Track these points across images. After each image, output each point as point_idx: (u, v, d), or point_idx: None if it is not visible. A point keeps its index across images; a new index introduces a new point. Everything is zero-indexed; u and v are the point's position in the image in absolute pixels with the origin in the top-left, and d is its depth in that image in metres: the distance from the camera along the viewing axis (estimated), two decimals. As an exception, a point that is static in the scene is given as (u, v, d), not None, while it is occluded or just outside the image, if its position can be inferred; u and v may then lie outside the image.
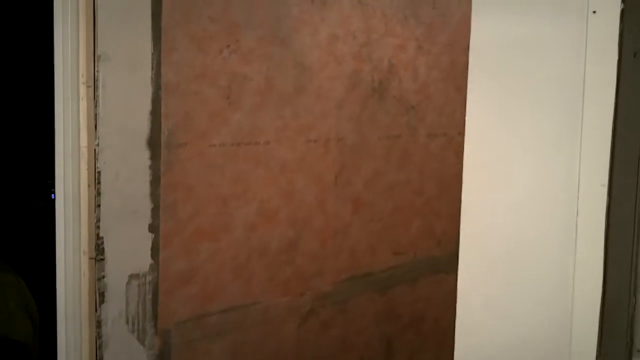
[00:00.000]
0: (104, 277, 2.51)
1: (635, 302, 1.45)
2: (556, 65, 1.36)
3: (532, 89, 1.40)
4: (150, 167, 2.61)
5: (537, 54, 1.39)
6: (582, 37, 1.34)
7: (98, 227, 2.50)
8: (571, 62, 1.33)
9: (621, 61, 1.31)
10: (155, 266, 2.68)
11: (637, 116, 1.38)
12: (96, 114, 2.44)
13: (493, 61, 1.53)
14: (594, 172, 1.30)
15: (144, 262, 2.66)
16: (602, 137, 1.29)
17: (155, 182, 2.63)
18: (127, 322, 2.61)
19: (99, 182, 2.47)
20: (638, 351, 1.47)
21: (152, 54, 2.56)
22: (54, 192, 2.58)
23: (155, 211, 2.64)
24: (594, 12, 1.32)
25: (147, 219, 2.63)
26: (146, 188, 2.60)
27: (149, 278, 2.65)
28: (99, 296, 2.51)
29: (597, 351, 1.32)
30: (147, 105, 2.57)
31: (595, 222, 1.31)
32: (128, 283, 2.59)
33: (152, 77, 2.57)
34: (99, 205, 2.49)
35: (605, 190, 1.29)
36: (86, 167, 2.44)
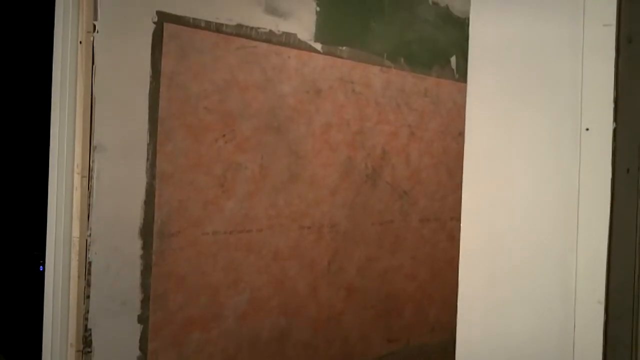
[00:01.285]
0: (90, 371, 2.45)
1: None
2: (551, 182, 1.38)
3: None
4: (142, 257, 2.58)
5: (530, 166, 1.41)
6: (576, 154, 1.35)
7: (86, 318, 2.45)
8: (565, 179, 1.35)
9: (615, 176, 1.32)
10: (143, 357, 2.62)
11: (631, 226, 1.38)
12: (90, 204, 2.44)
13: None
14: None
15: (132, 353, 2.60)
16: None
17: (146, 272, 2.60)
18: (113, 418, 2.52)
19: (89, 273, 2.44)
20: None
21: (148, 144, 2.58)
22: (42, 264, 2.54)
23: (145, 302, 2.60)
24: (587, 129, 1.35)
25: (136, 310, 2.58)
26: (137, 278, 2.57)
27: (136, 371, 2.59)
28: (84, 391, 2.44)
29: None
30: (141, 195, 2.57)
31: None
32: (115, 377, 2.53)
33: (147, 167, 2.58)
34: (88, 297, 2.45)
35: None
36: (77, 258, 2.41)
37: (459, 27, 4.04)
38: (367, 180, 3.49)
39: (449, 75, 3.99)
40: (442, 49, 3.94)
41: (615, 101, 1.32)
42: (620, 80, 1.33)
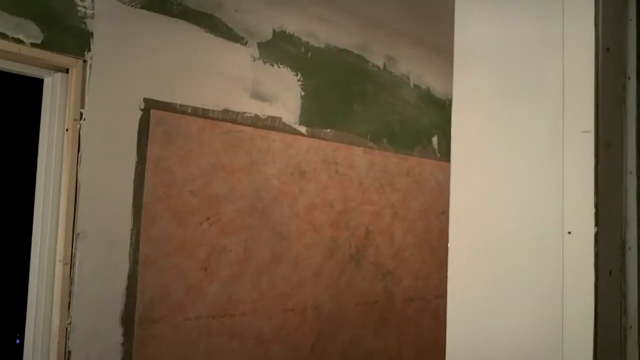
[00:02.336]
0: None
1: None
2: (534, 287, 1.39)
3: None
4: (123, 344, 2.53)
5: (515, 274, 1.42)
6: (559, 257, 1.37)
7: (63, 411, 2.37)
8: (548, 286, 1.36)
9: (598, 279, 1.33)
10: None
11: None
12: (71, 292, 2.40)
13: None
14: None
15: None
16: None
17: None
18: None
19: (68, 363, 2.38)
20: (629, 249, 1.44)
21: (132, 229, 2.57)
22: (19, 337, 2.47)
23: (124, 392, 2.53)
24: (569, 232, 1.37)
25: (116, 400, 2.51)
26: (117, 367, 2.51)
27: None
28: None
29: None
30: (123, 281, 2.54)
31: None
32: None
33: (130, 253, 2.56)
34: (66, 387, 2.38)
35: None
36: (56, 347, 2.35)
37: (440, 108, 4.13)
38: (351, 260, 3.49)
39: (430, 154, 4.06)
40: (424, 130, 4.02)
41: (596, 205, 1.34)
42: (600, 185, 1.36)
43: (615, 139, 1.43)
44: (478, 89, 1.57)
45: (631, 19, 1.47)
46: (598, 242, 1.33)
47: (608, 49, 1.41)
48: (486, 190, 1.52)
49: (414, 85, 3.96)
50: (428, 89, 4.05)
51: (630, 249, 1.45)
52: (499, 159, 1.50)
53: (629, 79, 1.47)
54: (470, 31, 1.62)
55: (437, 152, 4.11)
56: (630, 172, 1.45)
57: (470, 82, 1.60)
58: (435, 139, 4.09)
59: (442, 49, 4.06)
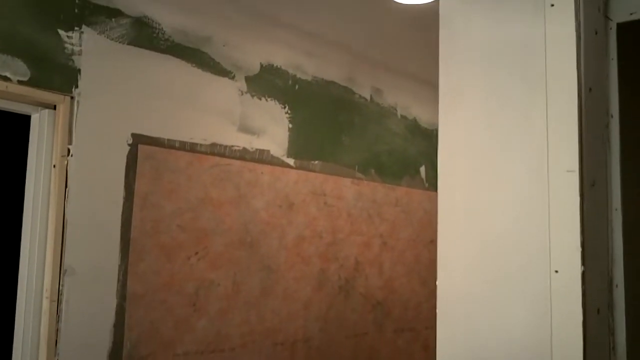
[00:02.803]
0: None
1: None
2: (524, 328, 1.39)
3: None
4: (110, 382, 2.50)
5: (503, 317, 1.42)
6: (547, 296, 1.37)
7: None
8: (535, 325, 1.36)
9: (586, 317, 1.34)
10: None
11: None
12: (58, 329, 2.37)
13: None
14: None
15: None
16: None
17: (114, 398, 2.51)
18: None
19: (54, 403, 2.34)
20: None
21: (120, 265, 2.55)
22: None
23: None
24: (556, 271, 1.37)
25: None
26: (104, 406, 2.48)
27: None
28: None
29: None
30: (110, 318, 2.52)
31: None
32: None
33: (117, 289, 2.54)
34: None
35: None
36: (42, 387, 2.32)
37: (427, 137, 4.16)
38: (340, 291, 3.48)
39: (418, 184, 4.07)
40: (412, 160, 4.04)
41: (583, 244, 1.35)
42: (586, 223, 1.37)
43: (600, 177, 1.45)
44: (463, 125, 1.59)
45: (612, 58, 1.50)
46: (585, 280, 1.34)
47: (590, 89, 1.43)
48: (471, 227, 1.53)
49: (401, 116, 3.99)
50: (415, 119, 4.09)
51: (617, 286, 1.46)
52: (485, 194, 1.50)
53: (612, 117, 1.49)
54: (454, 70, 1.64)
55: (425, 181, 4.13)
56: (616, 209, 1.47)
57: (455, 117, 1.61)
58: (422, 169, 4.11)
59: (428, 80, 4.10)
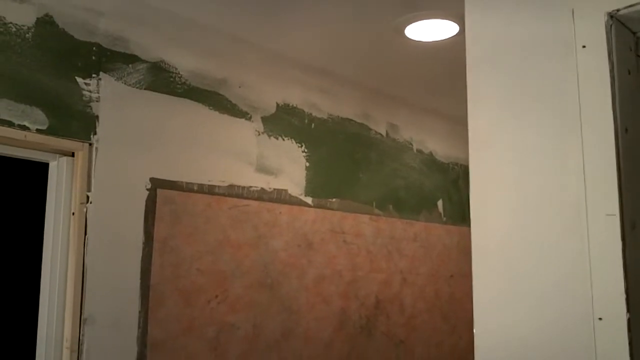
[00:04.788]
0: None
1: None
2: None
3: None
4: None
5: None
6: (591, 345, 1.32)
7: None
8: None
9: None
10: None
11: None
12: (78, 380, 2.33)
13: None
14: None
15: None
16: None
17: None
18: None
19: None
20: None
21: (139, 312, 2.51)
22: None
23: None
24: (600, 319, 1.33)
25: None
26: None
27: None
28: None
29: None
30: (131, 366, 2.47)
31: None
32: None
33: (138, 336, 2.50)
34: None
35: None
36: None
37: (444, 171, 4.13)
38: (362, 331, 3.42)
39: (436, 219, 4.03)
40: (429, 194, 4.00)
41: (627, 291, 1.31)
42: (629, 268, 1.33)
43: (639, 219, 1.40)
44: (495, 170, 1.55)
45: (645, 97, 1.47)
46: (631, 327, 1.29)
47: (627, 129, 1.40)
48: (508, 274, 1.48)
49: (417, 150, 3.96)
50: (431, 153, 4.06)
51: (662, 332, 1.41)
52: (522, 242, 1.46)
53: (648, 157, 1.45)
54: (483, 113, 1.61)
55: (442, 215, 4.08)
56: (656, 252, 1.42)
57: (486, 162, 1.58)
58: (440, 203, 4.07)
59: (443, 114, 4.09)
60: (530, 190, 1.46)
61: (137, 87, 2.60)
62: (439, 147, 4.12)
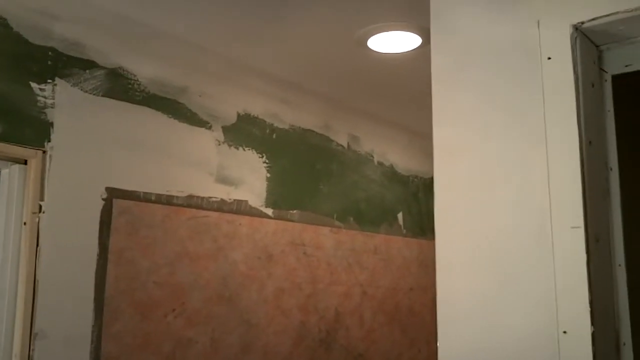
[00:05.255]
0: None
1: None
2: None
3: None
4: None
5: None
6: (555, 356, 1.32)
7: None
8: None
9: None
10: None
11: None
12: (27, 399, 2.23)
13: None
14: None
15: None
16: None
17: None
18: None
19: None
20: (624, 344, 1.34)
21: (93, 326, 2.43)
22: None
23: None
24: (565, 332, 1.32)
25: None
26: None
27: None
28: None
29: None
30: (84, 383, 2.38)
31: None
32: None
33: (91, 351, 2.41)
34: None
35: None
36: None
37: (404, 184, 4.14)
38: (321, 344, 3.38)
39: (397, 231, 4.03)
40: (389, 206, 4.00)
41: (591, 303, 1.30)
42: (594, 281, 1.33)
43: (603, 233, 1.41)
44: (460, 182, 1.54)
45: (609, 110, 1.48)
46: (595, 341, 1.29)
47: (590, 142, 1.40)
48: (476, 289, 1.47)
49: (378, 163, 3.96)
50: (392, 165, 4.06)
51: (624, 344, 1.41)
52: (489, 255, 1.45)
53: (611, 170, 1.46)
54: (448, 124, 1.60)
55: (402, 228, 4.08)
56: (620, 265, 1.43)
57: (451, 174, 1.57)
58: (400, 216, 4.07)
59: (404, 127, 4.10)
60: (495, 202, 1.45)
61: (94, 94, 2.53)
62: (399, 160, 4.12)
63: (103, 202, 2.50)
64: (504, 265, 1.41)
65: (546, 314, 1.33)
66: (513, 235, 1.40)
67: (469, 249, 1.48)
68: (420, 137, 4.25)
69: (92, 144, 2.50)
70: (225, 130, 3.03)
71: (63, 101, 2.42)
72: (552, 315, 1.32)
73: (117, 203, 2.54)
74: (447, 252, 1.54)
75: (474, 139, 1.50)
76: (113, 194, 2.53)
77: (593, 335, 1.28)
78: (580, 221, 1.32)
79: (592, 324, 1.28)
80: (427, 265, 4.19)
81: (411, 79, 3.20)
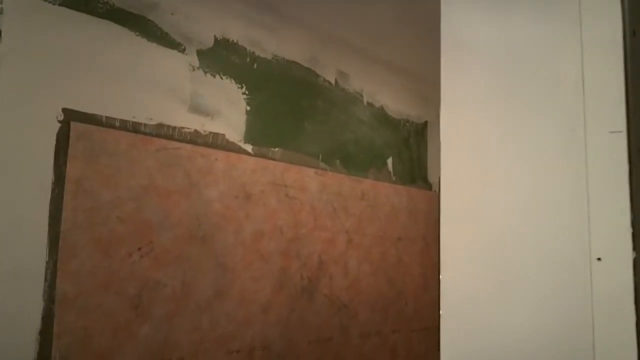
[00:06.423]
0: None
1: None
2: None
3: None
4: (34, 401, 2.11)
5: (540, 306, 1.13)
6: (587, 289, 1.08)
7: None
8: (573, 327, 1.07)
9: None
10: None
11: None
12: (-32, 340, 1.98)
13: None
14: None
15: None
16: None
17: (39, 420, 2.12)
18: None
19: None
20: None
21: (47, 262, 2.17)
22: None
23: None
24: (599, 259, 1.08)
25: None
26: None
27: None
28: None
29: None
30: (36, 324, 2.13)
31: None
32: None
33: (44, 290, 2.16)
34: None
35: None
36: (-53, 409, 1.92)
37: (395, 128, 3.87)
38: (303, 293, 3.15)
39: (386, 177, 3.78)
40: (379, 151, 3.75)
41: (633, 224, 1.06)
42: (636, 198, 1.08)
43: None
44: (474, 89, 1.28)
45: (655, -3, 1.22)
46: (637, 269, 1.04)
47: (634, 32, 1.14)
48: (486, 206, 1.22)
49: (368, 103, 3.69)
50: (382, 107, 3.79)
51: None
52: (503, 166, 1.20)
53: (657, 68, 1.20)
54: (461, 25, 1.33)
55: (392, 174, 3.83)
56: (663, 182, 1.18)
57: (463, 79, 1.30)
58: (390, 161, 3.82)
59: (396, 68, 3.82)
60: (516, 101, 1.19)
61: (49, 2, 2.22)
62: (390, 102, 3.85)
63: (59, 124, 2.22)
64: (525, 178, 1.16)
65: (576, 237, 1.09)
66: (538, 141, 1.15)
67: (490, 158, 1.22)
68: (414, 78, 3.97)
69: (48, 58, 2.21)
70: (201, 54, 2.73)
71: (13, 6, 2.12)
72: (584, 238, 1.08)
73: (75, 126, 2.26)
74: (455, 167, 1.29)
75: (491, 35, 1.23)
76: (71, 116, 2.25)
77: (635, 262, 1.04)
78: (621, 124, 1.07)
79: (634, 248, 1.04)
80: (417, 215, 3.96)
81: (407, 13, 2.91)
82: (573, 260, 1.10)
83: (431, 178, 4.18)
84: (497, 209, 1.21)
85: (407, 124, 3.94)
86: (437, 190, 4.24)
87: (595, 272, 1.07)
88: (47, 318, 2.16)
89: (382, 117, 3.79)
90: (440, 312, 1.22)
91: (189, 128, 2.65)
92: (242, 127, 2.90)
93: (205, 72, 2.75)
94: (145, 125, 2.49)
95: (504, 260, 1.18)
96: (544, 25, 1.20)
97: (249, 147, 2.92)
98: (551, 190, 1.14)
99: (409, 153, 3.97)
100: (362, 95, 3.65)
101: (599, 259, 1.07)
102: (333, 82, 3.45)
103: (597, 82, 1.11)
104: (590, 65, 1.13)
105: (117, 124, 2.39)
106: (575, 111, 1.12)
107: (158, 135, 2.53)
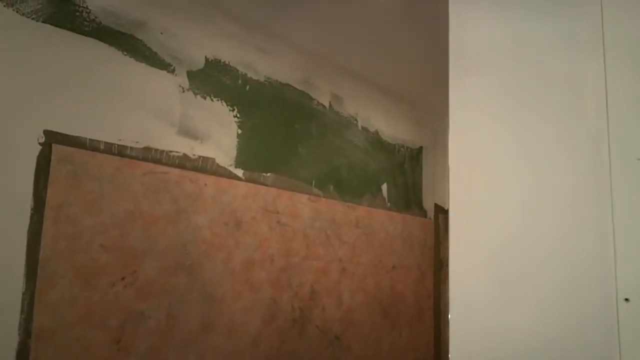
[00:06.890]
0: None
1: None
2: None
3: None
4: None
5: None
6: (613, 332, 0.97)
7: None
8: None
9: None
10: None
11: None
12: None
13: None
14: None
15: None
16: None
17: None
18: None
19: None
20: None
21: (24, 293, 2.04)
22: None
23: None
24: (626, 300, 0.98)
25: None
26: None
27: None
28: None
29: None
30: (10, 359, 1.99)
31: None
32: None
33: (20, 323, 2.02)
34: None
35: None
36: None
37: (389, 153, 3.78)
38: (294, 324, 3.02)
39: (380, 203, 3.68)
40: (373, 176, 3.65)
41: (664, 262, 0.96)
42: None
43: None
44: (480, 103, 1.19)
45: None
46: (668, 313, 0.94)
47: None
48: (501, 243, 1.12)
49: (362, 128, 3.60)
50: (377, 132, 3.70)
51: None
52: (519, 197, 1.10)
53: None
54: (468, 34, 1.24)
55: (387, 200, 3.73)
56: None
57: (471, 95, 1.21)
58: (384, 187, 3.72)
59: (391, 92, 3.74)
60: (535, 128, 1.10)
61: (32, 19, 2.12)
62: (385, 126, 3.77)
63: (40, 146, 2.11)
64: (547, 207, 1.06)
65: (601, 278, 0.99)
66: (559, 168, 1.05)
67: (499, 193, 1.13)
68: (409, 103, 3.89)
69: (30, 78, 2.10)
70: (191, 75, 2.64)
71: (-8, 23, 2.02)
72: (610, 279, 0.98)
73: (57, 149, 2.15)
74: (464, 200, 1.19)
75: (504, 44, 1.14)
76: (52, 138, 2.14)
77: (665, 304, 0.93)
78: (648, 151, 0.98)
79: (665, 289, 0.94)
80: (412, 243, 3.86)
81: (402, 33, 2.84)
82: (599, 301, 1.00)
83: (426, 205, 4.09)
84: (515, 244, 1.11)
85: (402, 149, 3.85)
86: (432, 217, 4.14)
87: (622, 311, 0.97)
88: (22, 353, 2.03)
89: (376, 141, 3.70)
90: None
91: (177, 152, 2.55)
92: (233, 151, 2.79)
93: (196, 94, 2.65)
94: (132, 148, 2.38)
95: (511, 296, 1.08)
96: (564, 47, 1.12)
97: (239, 172, 2.81)
98: (573, 220, 1.05)
99: (403, 178, 3.88)
100: (356, 120, 3.56)
101: (626, 299, 0.97)
102: (327, 105, 3.36)
103: (621, 106, 1.02)
104: (614, 89, 1.04)
105: (102, 146, 2.28)
106: (599, 137, 1.03)
107: (145, 159, 2.42)
